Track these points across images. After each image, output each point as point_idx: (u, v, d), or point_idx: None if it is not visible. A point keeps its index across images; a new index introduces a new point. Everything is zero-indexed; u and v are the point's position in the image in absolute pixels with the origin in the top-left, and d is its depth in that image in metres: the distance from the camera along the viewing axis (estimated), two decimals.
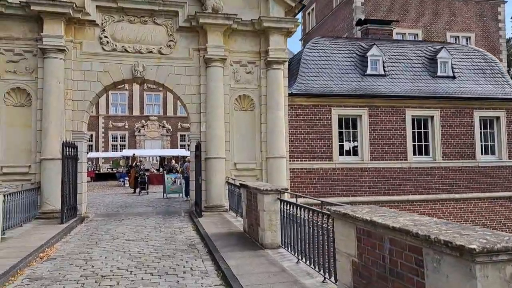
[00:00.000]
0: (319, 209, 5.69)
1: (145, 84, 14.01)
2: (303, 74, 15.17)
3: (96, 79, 13.00)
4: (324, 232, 5.46)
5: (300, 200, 6.66)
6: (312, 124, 14.50)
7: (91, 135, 45.20)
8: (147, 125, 46.47)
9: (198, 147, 12.72)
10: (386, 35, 18.46)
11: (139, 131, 46.26)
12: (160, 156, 38.24)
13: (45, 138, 12.09)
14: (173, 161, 22.96)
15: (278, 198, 7.50)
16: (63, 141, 11.32)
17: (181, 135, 47.73)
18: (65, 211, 11.21)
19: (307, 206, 6.25)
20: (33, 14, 12.06)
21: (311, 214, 6.00)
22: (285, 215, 7.22)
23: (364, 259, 3.82)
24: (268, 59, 13.54)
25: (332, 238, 5.00)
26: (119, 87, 46.95)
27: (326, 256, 5.46)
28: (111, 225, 11.18)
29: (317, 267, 5.73)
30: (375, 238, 3.63)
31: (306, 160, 14.40)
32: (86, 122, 13.36)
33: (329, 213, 4.85)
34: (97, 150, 44.33)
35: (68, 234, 10.02)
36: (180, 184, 19.02)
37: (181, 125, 47.58)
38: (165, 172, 19.43)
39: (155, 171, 33.68)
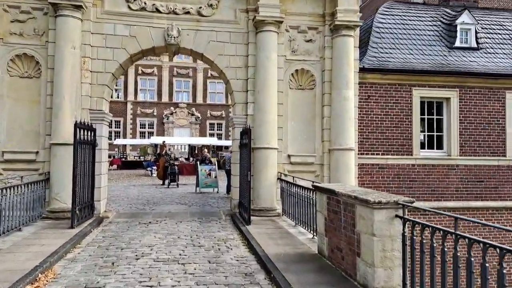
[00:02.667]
0: None
1: (179, 54, 11.35)
2: (375, 45, 12.14)
3: (121, 46, 10.41)
4: None
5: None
6: (387, 108, 11.50)
7: (119, 121, 43.53)
8: (175, 112, 44.51)
9: (244, 134, 9.96)
10: (471, 1, 15.09)
11: (167, 118, 44.32)
12: (189, 145, 35.89)
13: (56, 117, 9.62)
14: (206, 150, 20.41)
15: (396, 215, 4.65)
16: (76, 122, 8.78)
17: (210, 124, 45.55)
18: (77, 211, 8.73)
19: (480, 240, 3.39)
20: None
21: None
22: (413, 244, 4.37)
23: None
24: (336, 22, 10.57)
25: None
26: (148, 71, 45.05)
27: None
28: (135, 232, 8.62)
29: None
30: None
31: (379, 154, 11.44)
32: (107, 100, 10.81)
33: None
34: (124, 137, 42.59)
35: (78, 244, 7.49)
36: (215, 177, 16.40)
37: (210, 113, 45.36)
38: (198, 162, 16.87)
39: (184, 160, 31.40)
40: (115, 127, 43.59)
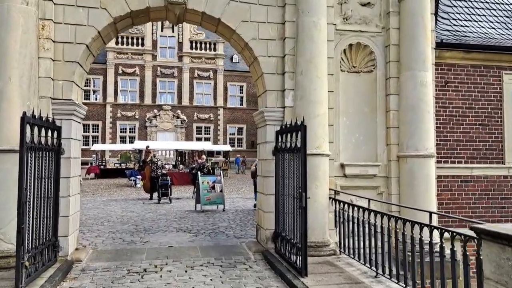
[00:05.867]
0: None
1: (184, 22, 8.04)
2: (446, 15, 9.12)
3: (99, 5, 7.04)
4: None
5: None
6: (470, 99, 8.46)
7: (97, 125, 39.72)
8: (159, 115, 41.02)
9: (286, 133, 6.74)
10: None
11: (150, 122, 40.77)
12: (177, 150, 32.32)
13: None
14: (204, 157, 16.98)
15: None
16: (25, 114, 5.33)
17: (197, 127, 42.15)
18: (28, 259, 5.30)
19: None
20: None
21: None
22: None
23: None
24: None
25: None
26: (129, 71, 41.16)
27: None
28: None
29: None
30: None
31: (461, 162, 8.36)
32: (79, 86, 7.41)
33: None
34: (103, 142, 38.73)
35: None
36: (221, 191, 13.04)
37: (197, 116, 41.99)
38: (199, 173, 13.49)
39: (171, 167, 27.87)
40: (93, 131, 39.80)
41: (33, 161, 5.60)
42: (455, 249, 4.53)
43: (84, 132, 39.29)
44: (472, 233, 4.25)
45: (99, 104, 40.13)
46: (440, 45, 8.15)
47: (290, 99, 7.47)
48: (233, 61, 44.18)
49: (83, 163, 15.21)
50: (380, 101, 7.92)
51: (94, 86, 40.23)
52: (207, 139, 41.63)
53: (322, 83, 7.21)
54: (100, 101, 40.19)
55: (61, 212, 6.65)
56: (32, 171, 5.59)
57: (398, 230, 5.38)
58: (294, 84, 7.39)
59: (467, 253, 4.20)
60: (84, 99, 39.32)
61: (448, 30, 8.85)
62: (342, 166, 7.73)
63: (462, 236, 4.34)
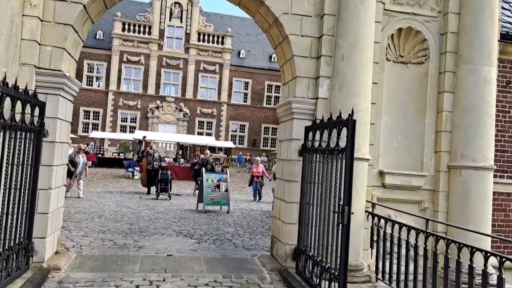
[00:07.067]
0: None
1: None
2: (508, 6, 7.83)
3: None
4: None
5: None
6: None
7: (98, 112, 38.50)
8: (162, 106, 39.82)
9: (321, 129, 5.47)
10: None
11: (152, 113, 39.57)
12: (178, 143, 30.99)
13: None
14: (208, 152, 15.64)
15: None
16: None
17: (199, 122, 40.90)
18: None
19: None
20: None
21: None
22: None
23: None
24: None
25: None
26: (134, 60, 39.66)
27: None
28: None
29: None
30: None
31: None
32: (73, 57, 6.12)
33: None
34: (103, 130, 37.51)
35: None
36: (226, 190, 11.74)
37: (200, 110, 40.75)
38: (203, 169, 12.17)
39: (171, 160, 26.58)
40: (94, 119, 38.60)
41: (3, 143, 4.33)
42: None
43: (84, 119, 38.08)
44: None
45: (101, 91, 39.00)
46: (505, 38, 6.88)
47: (325, 89, 6.19)
48: (240, 56, 42.93)
49: None
50: (430, 99, 6.63)
51: (97, 73, 39.09)
52: (208, 134, 40.44)
53: (366, 72, 5.93)
54: (102, 88, 39.01)
55: (39, 208, 5.39)
56: (1, 154, 4.33)
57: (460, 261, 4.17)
58: (331, 71, 6.11)
59: None
60: (87, 85, 38.09)
61: (510, 22, 7.58)
62: (381, 174, 6.45)
63: None
